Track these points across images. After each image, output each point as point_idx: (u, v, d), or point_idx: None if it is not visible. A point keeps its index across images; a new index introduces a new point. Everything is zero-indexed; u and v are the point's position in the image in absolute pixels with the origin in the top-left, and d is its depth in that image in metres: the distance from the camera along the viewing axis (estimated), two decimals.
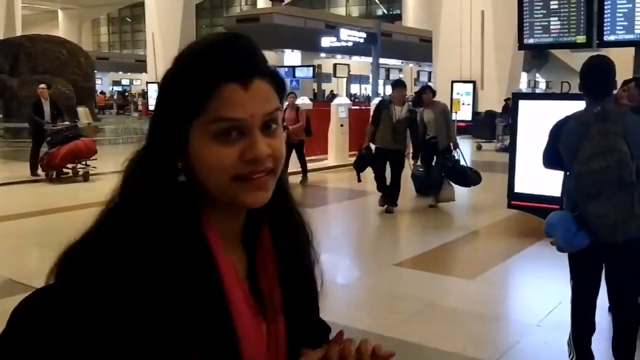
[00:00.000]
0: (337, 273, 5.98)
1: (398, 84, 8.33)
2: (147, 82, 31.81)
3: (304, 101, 14.34)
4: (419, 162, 8.76)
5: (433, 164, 8.51)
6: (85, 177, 10.66)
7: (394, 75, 29.95)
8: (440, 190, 8.33)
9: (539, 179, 5.71)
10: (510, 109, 15.84)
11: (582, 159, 2.97)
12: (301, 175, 10.75)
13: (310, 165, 12.40)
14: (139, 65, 40.14)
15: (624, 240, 2.97)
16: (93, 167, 10.68)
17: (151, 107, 32.59)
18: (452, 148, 8.39)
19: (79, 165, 10.66)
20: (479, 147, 16.84)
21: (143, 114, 33.40)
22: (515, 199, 6.95)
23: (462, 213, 8.47)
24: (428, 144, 8.31)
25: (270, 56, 34.11)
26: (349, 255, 6.63)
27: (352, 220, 8.16)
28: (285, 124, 10.16)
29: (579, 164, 2.98)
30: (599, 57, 3.26)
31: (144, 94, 34.42)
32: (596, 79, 3.12)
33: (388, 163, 8.02)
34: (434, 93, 8.81)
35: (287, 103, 10.61)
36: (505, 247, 6.54)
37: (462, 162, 8.44)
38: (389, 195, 8.03)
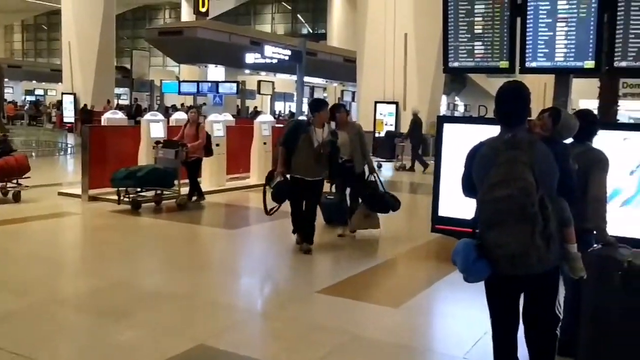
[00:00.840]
0: (254, 302, 5.68)
1: (322, 103, 7.23)
2: (63, 93, 30.49)
3: (226, 117, 14.03)
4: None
5: (347, 190, 7.86)
6: (16, 198, 9.48)
7: (318, 94, 30.02)
8: (350, 219, 7.76)
9: (464, 203, 5.62)
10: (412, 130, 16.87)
11: (485, 186, 2.90)
12: (195, 195, 9.93)
13: (232, 184, 12.06)
14: (55, 75, 38.44)
15: (524, 273, 2.89)
16: (25, 186, 9.61)
17: (67, 119, 31.26)
18: (368, 172, 7.75)
19: (9, 185, 9.50)
20: (379, 166, 17.01)
21: (58, 126, 31.96)
22: (439, 223, 6.87)
23: (383, 237, 8.27)
24: (343, 168, 7.45)
25: (193, 70, 33.52)
26: (268, 281, 6.33)
27: (273, 243, 7.85)
28: (184, 140, 9.67)
29: (483, 191, 2.91)
30: (515, 82, 3.14)
31: (58, 105, 32.95)
32: (510, 104, 3.05)
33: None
34: (347, 112, 8.16)
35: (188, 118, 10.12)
36: (429, 273, 6.44)
37: (380, 187, 7.79)
38: (304, 233, 7.01)
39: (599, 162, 4.10)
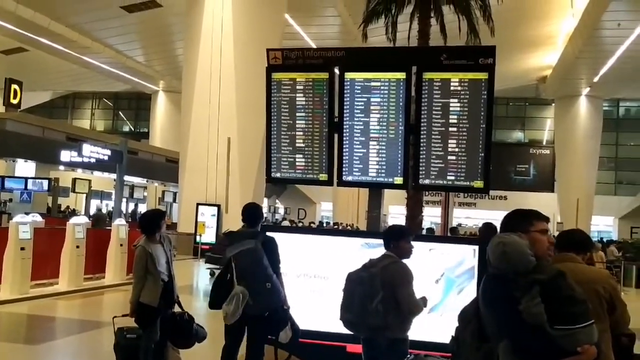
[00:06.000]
0: None
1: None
2: None
3: (34, 218, 13.03)
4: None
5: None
6: None
7: (138, 194, 29.12)
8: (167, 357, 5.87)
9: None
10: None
11: None
12: None
13: (37, 291, 11.00)
14: None
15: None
16: None
17: None
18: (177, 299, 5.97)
19: None
20: (212, 274, 15.50)
21: None
22: None
23: None
24: (162, 292, 5.72)
25: None
26: None
27: None
28: None
29: None
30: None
31: None
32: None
33: None
34: None
35: None
36: None
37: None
38: None
39: (404, 277, 4.40)
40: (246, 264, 5.04)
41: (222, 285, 5.12)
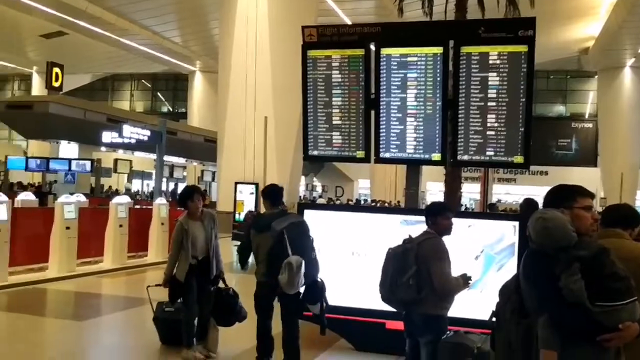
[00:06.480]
0: None
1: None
2: None
3: (79, 198, 13.34)
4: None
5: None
6: None
7: (177, 173, 29.52)
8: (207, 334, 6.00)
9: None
10: None
11: None
12: None
13: (83, 269, 11.31)
14: None
15: None
16: None
17: None
18: (221, 275, 6.14)
19: None
20: (238, 251, 15.94)
21: None
22: None
23: None
24: (193, 269, 5.84)
25: (43, 146, 31.79)
26: None
27: (125, 336, 7.37)
28: None
29: None
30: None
31: None
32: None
33: None
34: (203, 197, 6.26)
35: None
36: None
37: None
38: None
39: (436, 253, 4.35)
40: (296, 234, 5.15)
41: (278, 257, 5.09)
